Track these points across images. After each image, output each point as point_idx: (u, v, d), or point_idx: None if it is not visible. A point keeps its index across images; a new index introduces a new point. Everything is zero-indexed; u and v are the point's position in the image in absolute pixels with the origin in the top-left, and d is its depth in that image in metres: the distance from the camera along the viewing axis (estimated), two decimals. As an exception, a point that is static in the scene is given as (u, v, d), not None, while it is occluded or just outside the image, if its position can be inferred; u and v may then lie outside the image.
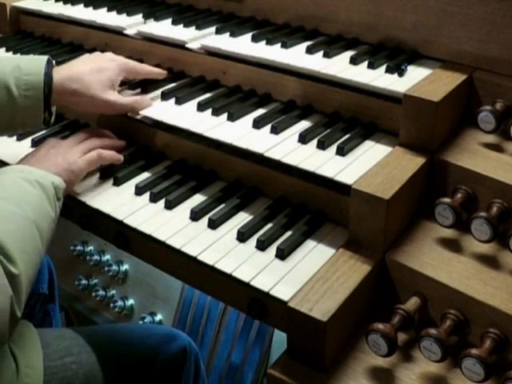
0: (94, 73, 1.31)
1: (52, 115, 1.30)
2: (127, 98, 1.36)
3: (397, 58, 1.38)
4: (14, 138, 1.48)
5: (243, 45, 1.47)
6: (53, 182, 1.14)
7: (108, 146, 1.33)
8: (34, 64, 1.26)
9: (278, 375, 0.99)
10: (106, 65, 1.34)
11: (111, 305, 2.21)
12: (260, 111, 1.37)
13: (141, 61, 1.53)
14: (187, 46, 1.50)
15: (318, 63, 1.36)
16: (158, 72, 1.48)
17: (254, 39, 1.49)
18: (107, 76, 1.32)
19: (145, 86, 1.47)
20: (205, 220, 1.19)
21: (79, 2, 1.79)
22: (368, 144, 1.26)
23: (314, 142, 1.24)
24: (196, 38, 1.52)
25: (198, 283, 1.16)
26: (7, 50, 1.74)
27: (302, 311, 0.97)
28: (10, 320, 0.95)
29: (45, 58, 1.28)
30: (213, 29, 1.56)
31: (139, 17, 1.67)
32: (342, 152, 1.20)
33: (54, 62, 1.31)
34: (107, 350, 1.35)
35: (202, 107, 1.37)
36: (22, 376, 1.15)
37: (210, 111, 1.36)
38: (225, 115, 1.34)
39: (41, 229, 1.07)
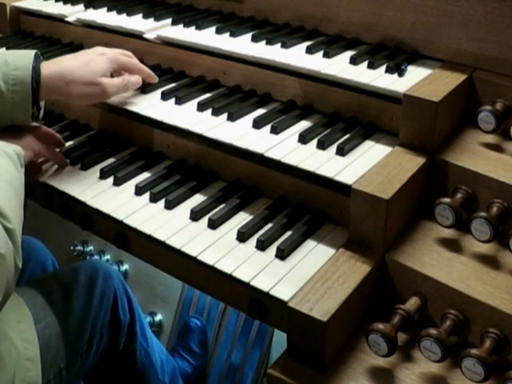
0: (83, 64, 1.29)
1: (40, 110, 1.30)
2: (117, 78, 1.34)
3: (397, 58, 1.38)
4: (15, 137, 1.48)
5: (243, 45, 1.47)
6: (15, 150, 1.14)
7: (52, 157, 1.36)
8: (21, 59, 1.25)
9: (277, 375, 0.99)
10: (95, 57, 1.32)
11: (111, 305, 2.21)
12: (260, 111, 1.37)
13: (141, 61, 1.53)
14: (188, 45, 1.51)
15: (317, 63, 1.36)
16: (148, 73, 1.44)
17: (254, 39, 1.48)
18: (97, 67, 1.30)
19: (144, 86, 1.47)
20: (205, 220, 1.19)
21: (79, 1, 1.79)
22: (368, 144, 1.26)
23: (314, 141, 1.24)
24: (196, 37, 1.52)
25: (198, 283, 1.16)
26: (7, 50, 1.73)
27: (302, 311, 0.97)
28: (15, 272, 0.98)
29: (32, 52, 1.27)
30: (213, 28, 1.56)
31: (139, 17, 1.67)
32: (341, 152, 1.20)
33: (41, 57, 1.29)
34: (58, 302, 1.34)
35: (202, 107, 1.37)
36: (21, 356, 1.17)
37: (209, 111, 1.36)
38: (225, 115, 1.34)
39: (18, 191, 1.08)
